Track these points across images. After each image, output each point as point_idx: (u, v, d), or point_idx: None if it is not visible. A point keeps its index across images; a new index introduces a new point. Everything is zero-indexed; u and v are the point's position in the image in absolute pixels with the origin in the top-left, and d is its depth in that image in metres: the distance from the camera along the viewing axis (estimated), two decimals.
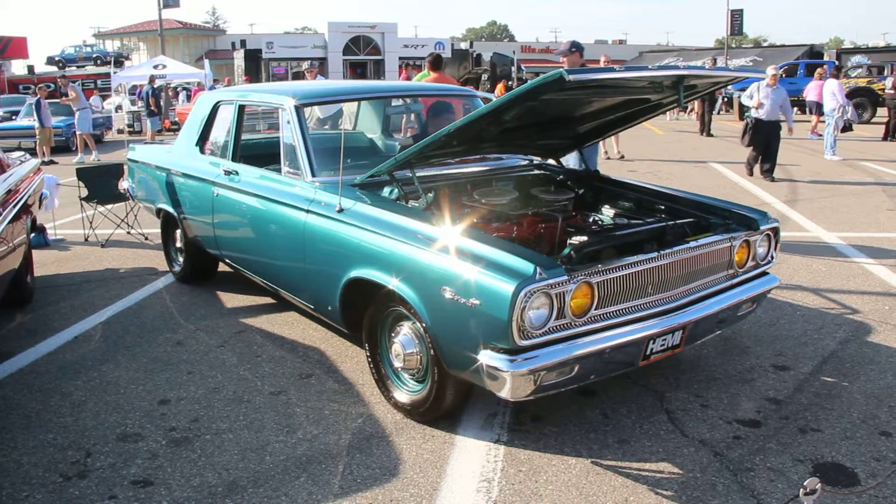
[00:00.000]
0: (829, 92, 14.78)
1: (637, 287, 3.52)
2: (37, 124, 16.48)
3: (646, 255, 3.54)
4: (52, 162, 15.71)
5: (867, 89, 23.10)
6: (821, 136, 15.50)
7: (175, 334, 5.25)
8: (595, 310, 3.36)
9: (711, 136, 19.84)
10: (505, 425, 3.84)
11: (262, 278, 5.20)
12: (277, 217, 4.65)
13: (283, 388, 4.34)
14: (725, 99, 28.02)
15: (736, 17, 38.63)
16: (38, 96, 17.05)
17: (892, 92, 17.18)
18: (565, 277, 3.19)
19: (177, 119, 23.60)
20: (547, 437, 3.71)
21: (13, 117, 20.08)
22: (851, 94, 20.12)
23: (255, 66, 44.23)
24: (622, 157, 14.03)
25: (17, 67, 47.07)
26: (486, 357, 3.21)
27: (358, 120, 6.30)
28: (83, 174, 8.52)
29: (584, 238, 3.74)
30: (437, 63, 9.49)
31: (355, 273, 3.94)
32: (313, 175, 4.47)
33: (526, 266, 3.15)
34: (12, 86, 37.95)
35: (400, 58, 44.79)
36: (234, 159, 5.36)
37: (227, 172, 5.28)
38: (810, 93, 18.58)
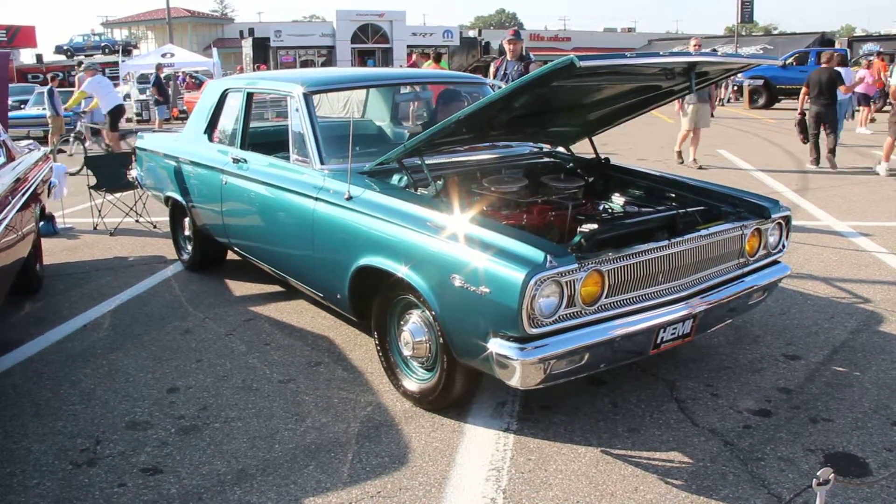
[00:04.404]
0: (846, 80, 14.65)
1: (648, 275, 3.49)
2: (50, 113, 16.49)
3: (657, 244, 3.51)
4: (60, 151, 15.72)
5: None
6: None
7: (184, 322, 5.26)
8: (605, 298, 3.34)
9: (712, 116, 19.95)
10: (514, 414, 3.83)
11: (271, 266, 5.19)
12: (286, 205, 4.64)
13: (291, 376, 4.34)
14: (735, 87, 27.80)
15: (746, 5, 38.31)
16: (51, 84, 17.06)
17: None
18: (576, 265, 3.17)
19: (185, 108, 23.60)
20: (556, 426, 3.70)
21: (22, 106, 20.09)
22: None
23: (263, 54, 44.16)
24: (700, 166, 11.86)
25: (26, 56, 47.14)
26: (496, 345, 3.19)
27: (367, 107, 6.28)
28: (92, 163, 8.52)
29: (595, 226, 3.71)
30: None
31: (364, 261, 3.93)
32: (322, 163, 4.46)
33: (536, 254, 3.13)
34: (21, 75, 37.95)
35: (408, 46, 44.69)
36: (242, 147, 5.35)
37: (236, 160, 5.27)
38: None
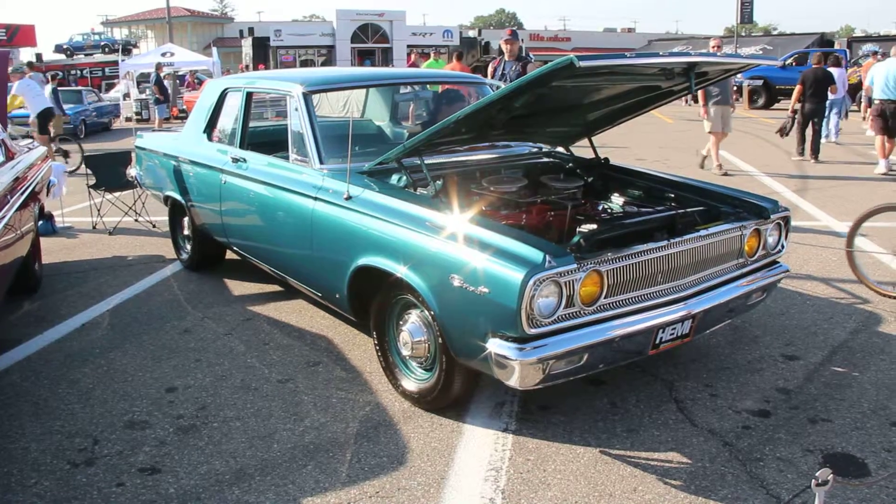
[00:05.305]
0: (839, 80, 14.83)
1: (647, 276, 3.49)
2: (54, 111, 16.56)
3: (656, 244, 3.51)
4: (60, 150, 15.71)
5: None
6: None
7: (182, 322, 5.26)
8: (604, 298, 3.33)
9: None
10: (513, 414, 3.83)
11: (270, 266, 5.19)
12: (285, 204, 4.64)
13: (290, 375, 4.34)
14: (735, 87, 27.75)
15: (746, 5, 38.28)
16: (53, 84, 17.17)
17: None
18: (575, 266, 3.17)
19: (185, 107, 23.60)
20: (555, 426, 3.69)
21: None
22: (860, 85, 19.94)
23: (263, 53, 44.16)
24: (704, 163, 11.69)
25: (26, 55, 47.07)
26: (495, 345, 3.19)
27: (366, 107, 6.27)
28: (91, 162, 8.52)
29: (594, 226, 3.71)
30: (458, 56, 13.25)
31: (363, 261, 3.93)
32: (321, 162, 4.45)
33: (535, 254, 3.13)
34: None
35: (408, 45, 44.68)
36: (241, 146, 5.35)
37: (235, 160, 5.27)
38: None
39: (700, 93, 11.08)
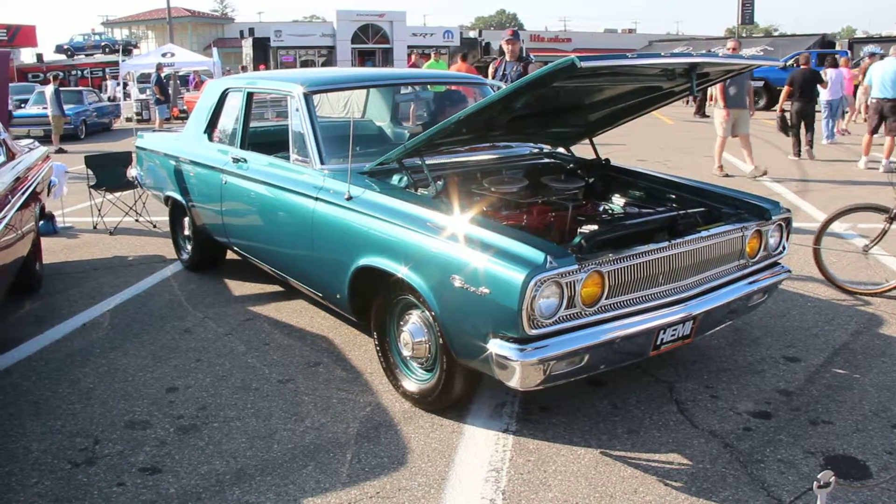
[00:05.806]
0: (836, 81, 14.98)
1: (648, 277, 3.49)
2: (54, 111, 16.61)
3: (657, 245, 3.51)
4: (61, 150, 15.73)
5: None
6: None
7: (183, 322, 5.25)
8: (605, 299, 3.33)
9: (706, 116, 20.51)
10: (514, 415, 3.83)
11: (271, 266, 5.19)
12: (286, 205, 4.64)
13: (290, 376, 4.33)
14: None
15: (747, 6, 38.35)
16: (55, 84, 17.23)
17: None
18: (576, 266, 3.17)
19: (185, 107, 23.61)
20: (556, 427, 3.69)
21: (21, 105, 20.11)
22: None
23: (263, 54, 44.17)
24: (764, 172, 11.13)
25: (26, 56, 47.16)
26: (496, 346, 3.19)
27: (367, 107, 6.27)
28: (92, 162, 8.52)
29: (595, 227, 3.71)
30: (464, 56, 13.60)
31: (364, 261, 3.92)
32: (322, 163, 4.45)
33: (536, 255, 3.13)
34: (21, 74, 37.93)
35: (408, 46, 44.71)
36: (242, 147, 5.34)
37: (236, 160, 5.26)
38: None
39: (719, 95, 11.03)
